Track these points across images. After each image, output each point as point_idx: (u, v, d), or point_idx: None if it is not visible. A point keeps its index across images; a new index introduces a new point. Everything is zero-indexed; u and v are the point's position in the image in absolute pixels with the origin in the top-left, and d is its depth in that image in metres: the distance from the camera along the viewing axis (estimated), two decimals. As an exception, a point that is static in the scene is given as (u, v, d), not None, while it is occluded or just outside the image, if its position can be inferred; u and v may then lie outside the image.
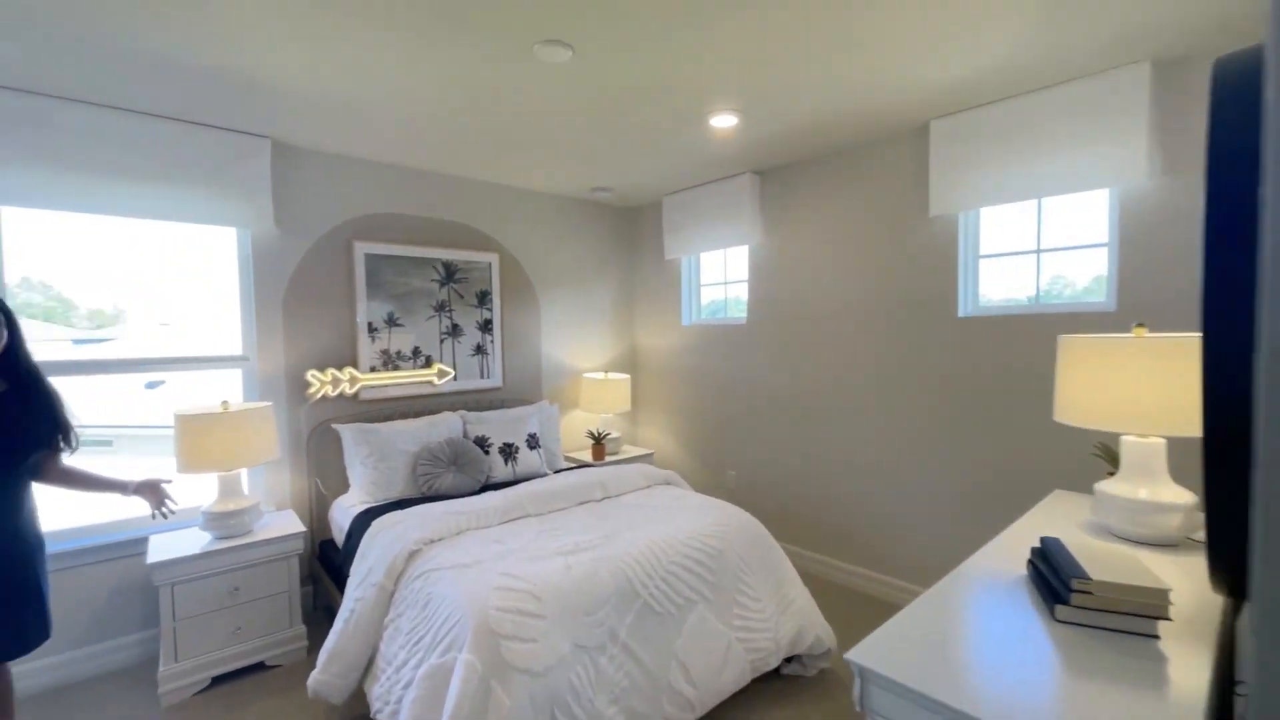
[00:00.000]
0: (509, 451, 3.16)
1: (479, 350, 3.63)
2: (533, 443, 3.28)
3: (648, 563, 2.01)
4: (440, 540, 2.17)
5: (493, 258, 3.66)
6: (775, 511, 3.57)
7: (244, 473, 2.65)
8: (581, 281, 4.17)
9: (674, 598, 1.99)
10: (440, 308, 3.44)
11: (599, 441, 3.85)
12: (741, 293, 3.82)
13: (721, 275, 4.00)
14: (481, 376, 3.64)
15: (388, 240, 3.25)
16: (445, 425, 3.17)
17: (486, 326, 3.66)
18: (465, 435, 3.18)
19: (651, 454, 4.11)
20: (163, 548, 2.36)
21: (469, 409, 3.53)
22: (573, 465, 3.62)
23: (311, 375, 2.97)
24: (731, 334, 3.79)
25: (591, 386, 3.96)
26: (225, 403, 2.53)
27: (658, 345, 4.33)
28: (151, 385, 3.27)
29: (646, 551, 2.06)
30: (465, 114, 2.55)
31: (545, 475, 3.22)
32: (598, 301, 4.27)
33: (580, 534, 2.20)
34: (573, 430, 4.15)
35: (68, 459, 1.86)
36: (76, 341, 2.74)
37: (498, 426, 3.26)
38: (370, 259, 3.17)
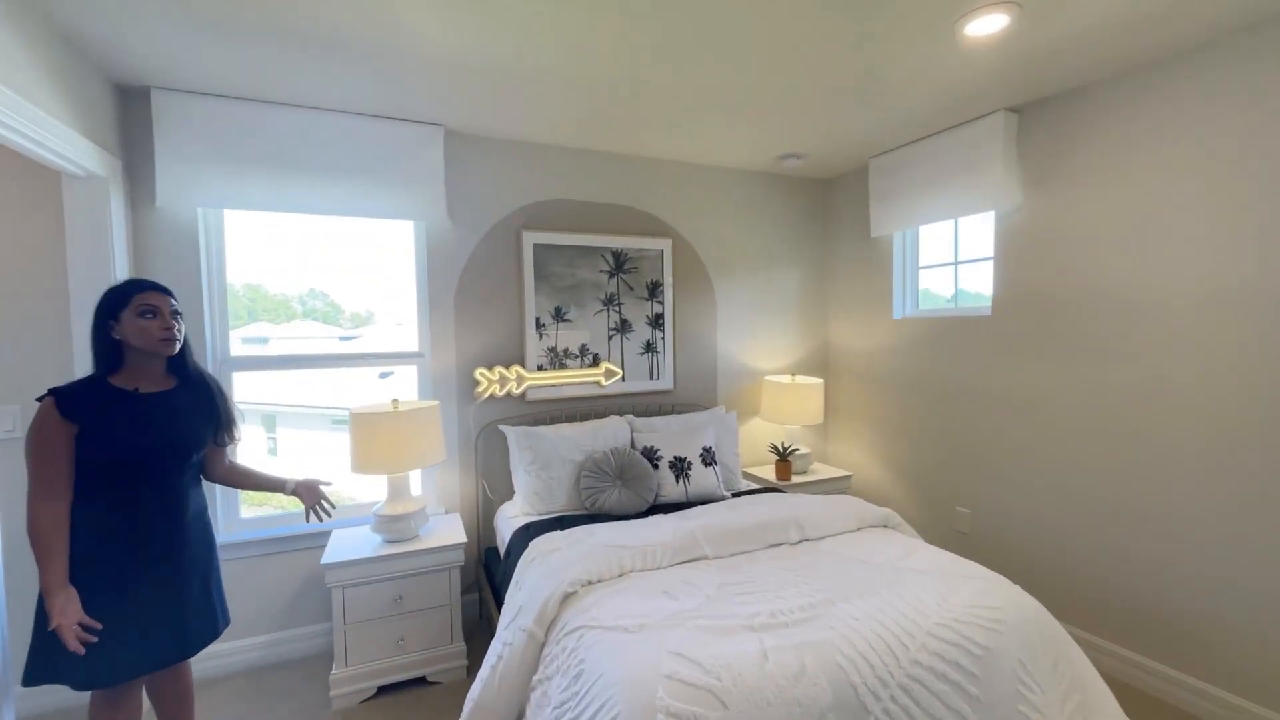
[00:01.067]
0: (681, 467, 2.71)
1: (648, 348, 3.24)
2: (708, 458, 2.79)
3: (879, 660, 1.39)
4: (600, 582, 1.77)
5: (665, 244, 3.24)
6: (1031, 571, 2.62)
7: (413, 474, 2.56)
8: (764, 269, 3.57)
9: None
10: (608, 301, 3.12)
11: (784, 458, 3.23)
12: (978, 276, 2.90)
13: (949, 253, 3.11)
14: (651, 377, 3.25)
15: (555, 229, 3.00)
16: (611, 431, 2.83)
17: (657, 321, 3.26)
18: (633, 445, 2.80)
19: (849, 476, 3.37)
20: (338, 547, 2.33)
21: (637, 413, 3.16)
22: (755, 487, 3.05)
23: (479, 374, 2.83)
24: (965, 329, 2.89)
25: (776, 392, 3.35)
26: (395, 401, 2.44)
27: (858, 343, 3.56)
28: (384, 375, 3.39)
29: (875, 640, 1.43)
30: (646, 69, 2.12)
31: (723, 499, 2.71)
32: (783, 292, 3.64)
33: (776, 597, 1.64)
34: (752, 442, 3.58)
35: (232, 456, 1.82)
36: (342, 338, 2.95)
37: (668, 436, 2.82)
38: (538, 250, 2.94)
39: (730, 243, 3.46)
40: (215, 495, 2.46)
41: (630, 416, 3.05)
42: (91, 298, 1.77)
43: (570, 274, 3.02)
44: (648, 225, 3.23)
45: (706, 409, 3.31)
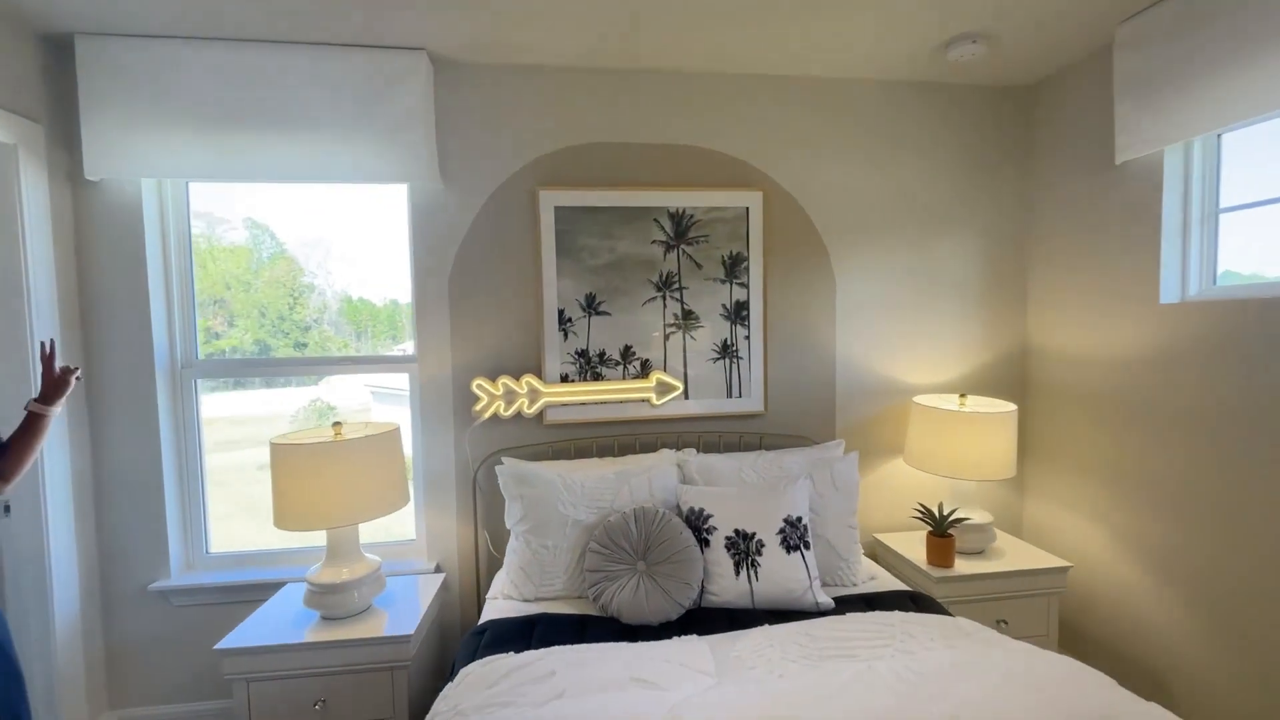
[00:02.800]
0: (744, 549, 1.68)
1: (725, 352, 2.23)
2: (792, 537, 1.71)
3: None
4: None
5: (751, 199, 2.20)
6: None
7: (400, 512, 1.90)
8: (917, 232, 2.33)
9: None
10: (664, 284, 2.17)
11: (941, 530, 2.01)
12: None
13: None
14: (729, 395, 2.24)
15: (586, 184, 2.14)
16: (648, 476, 1.89)
17: (739, 314, 2.23)
18: (679, 505, 1.83)
19: (1064, 570, 2.01)
20: (254, 623, 1.73)
21: (708, 447, 2.19)
22: (879, 588, 1.88)
23: (479, 386, 2.08)
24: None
25: (933, 423, 2.12)
26: (338, 426, 1.78)
27: (1087, 346, 2.15)
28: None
29: None
30: None
31: (824, 614, 1.62)
32: (949, 267, 2.36)
33: None
34: (885, 496, 2.37)
35: None
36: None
37: (731, 492, 1.81)
38: (562, 215, 2.11)
39: (858, 193, 2.29)
40: (176, 529, 2.04)
41: (691, 453, 2.08)
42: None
43: (608, 247, 2.14)
44: (725, 172, 2.21)
45: (814, 443, 2.20)
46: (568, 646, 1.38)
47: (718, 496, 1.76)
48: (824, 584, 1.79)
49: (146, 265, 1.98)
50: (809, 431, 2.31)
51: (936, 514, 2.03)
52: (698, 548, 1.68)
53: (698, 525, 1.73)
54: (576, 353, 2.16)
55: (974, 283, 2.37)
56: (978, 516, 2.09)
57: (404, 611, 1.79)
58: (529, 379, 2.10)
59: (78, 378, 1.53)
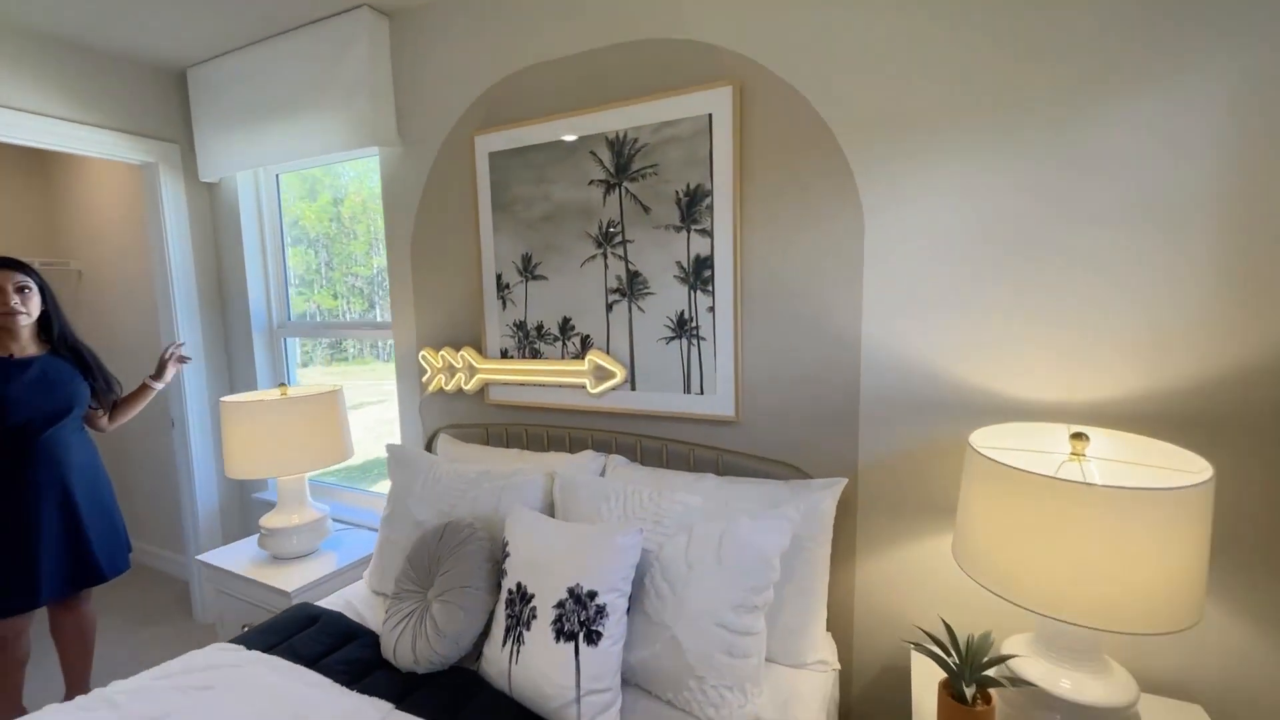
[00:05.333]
0: (517, 614, 1.17)
1: (681, 328, 1.59)
2: (573, 619, 1.11)
3: None
4: None
5: (716, 101, 1.47)
6: None
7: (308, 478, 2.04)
8: (1046, 104, 1.19)
9: None
10: (605, 237, 1.67)
11: (964, 685, 1.04)
12: None
13: None
14: (686, 389, 1.60)
15: (519, 119, 1.77)
16: (531, 482, 1.51)
17: (699, 274, 1.55)
18: (554, 509, 1.40)
19: None
20: (233, 550, 2.06)
21: (649, 457, 1.64)
22: None
23: (424, 357, 1.99)
24: None
25: (1005, 493, 1.06)
26: (284, 386, 1.95)
27: None
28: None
29: None
30: None
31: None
32: (1117, 173, 1.14)
33: None
34: (928, 590, 1.36)
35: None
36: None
37: (582, 530, 1.28)
38: (496, 163, 1.81)
39: (915, 50, 1.29)
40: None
41: (619, 461, 1.59)
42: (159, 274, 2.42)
43: (542, 195, 1.74)
44: (691, 70, 1.53)
45: (807, 476, 1.41)
46: (265, 660, 1.21)
47: (547, 529, 1.27)
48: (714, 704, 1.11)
49: (244, 246, 2.48)
50: (806, 458, 1.48)
51: (954, 649, 1.06)
52: (485, 590, 1.26)
53: (499, 559, 1.30)
54: (515, 324, 1.85)
55: (1183, 208, 1.09)
56: (1078, 675, 1.01)
57: (334, 561, 1.88)
58: (467, 352, 1.91)
59: (181, 359, 2.01)
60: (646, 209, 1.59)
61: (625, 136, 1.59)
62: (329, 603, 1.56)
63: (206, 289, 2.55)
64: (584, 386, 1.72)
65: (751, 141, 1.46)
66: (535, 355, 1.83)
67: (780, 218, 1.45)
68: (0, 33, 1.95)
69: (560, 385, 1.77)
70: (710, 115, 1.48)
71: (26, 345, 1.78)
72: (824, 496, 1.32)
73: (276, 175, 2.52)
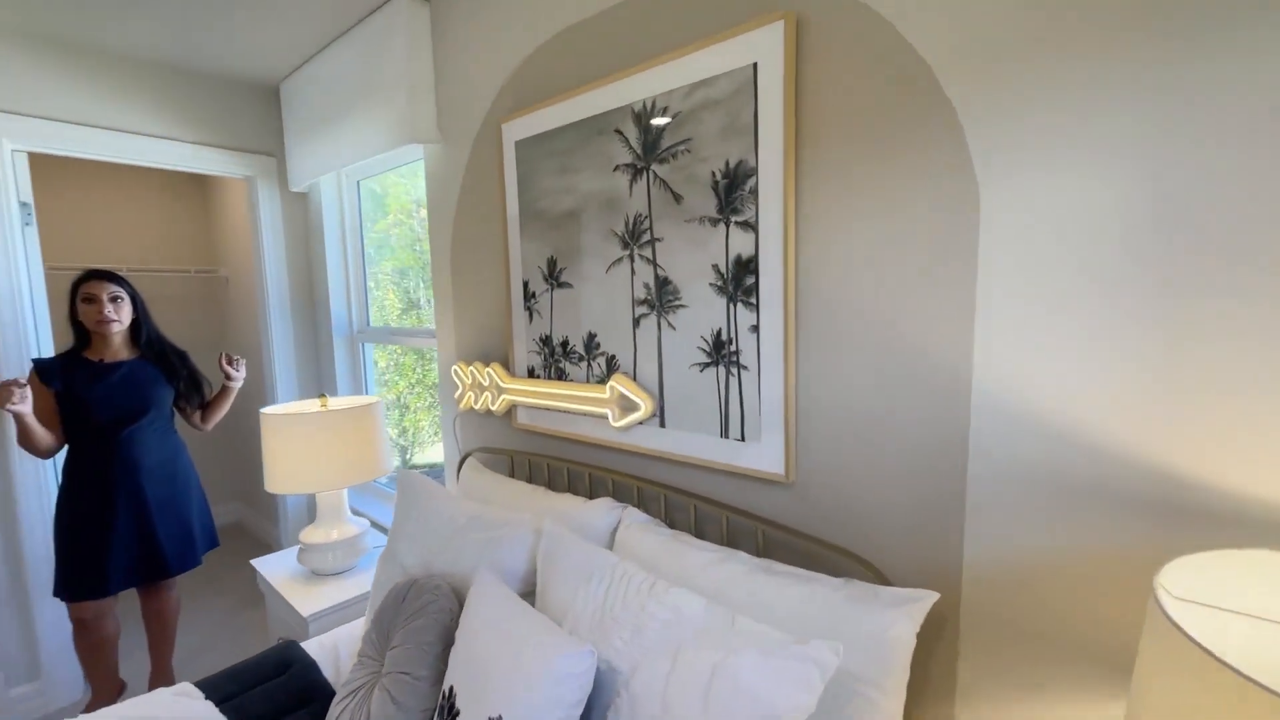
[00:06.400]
0: None
1: (718, 352, 1.21)
2: None
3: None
4: None
5: (764, 44, 1.07)
6: None
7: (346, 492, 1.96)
8: (1216, 44, 0.64)
9: None
10: (632, 234, 1.34)
11: None
12: None
13: None
14: (723, 432, 1.22)
15: (545, 98, 1.50)
16: (520, 537, 1.25)
17: (740, 281, 1.16)
18: (535, 591, 1.13)
19: None
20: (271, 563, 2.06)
21: (674, 514, 1.30)
22: None
23: (456, 371, 1.83)
24: None
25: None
26: (323, 397, 1.90)
27: None
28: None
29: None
30: None
31: None
32: None
33: None
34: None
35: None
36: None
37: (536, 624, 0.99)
38: (522, 152, 1.57)
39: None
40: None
41: (634, 515, 1.27)
42: (257, 281, 2.59)
43: (566, 186, 1.47)
44: (724, 3, 1.14)
45: (881, 579, 0.98)
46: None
47: (499, 615, 0.98)
48: None
49: (326, 254, 2.54)
50: (880, 549, 1.03)
51: None
52: (429, 681, 1.00)
53: (452, 640, 1.03)
54: (541, 339, 1.60)
55: None
56: None
57: (364, 584, 1.79)
58: (495, 369, 1.70)
59: (229, 359, 2.06)
60: (678, 197, 1.23)
61: (654, 106, 1.25)
62: (324, 641, 1.43)
63: (298, 295, 2.66)
64: (606, 416, 1.41)
65: (810, 96, 1.03)
66: (561, 376, 1.55)
67: (850, 201, 1.01)
68: (117, 64, 2.14)
69: (581, 413, 1.48)
70: (754, 65, 1.08)
71: (118, 350, 1.91)
72: (898, 618, 0.87)
73: (357, 183, 2.55)
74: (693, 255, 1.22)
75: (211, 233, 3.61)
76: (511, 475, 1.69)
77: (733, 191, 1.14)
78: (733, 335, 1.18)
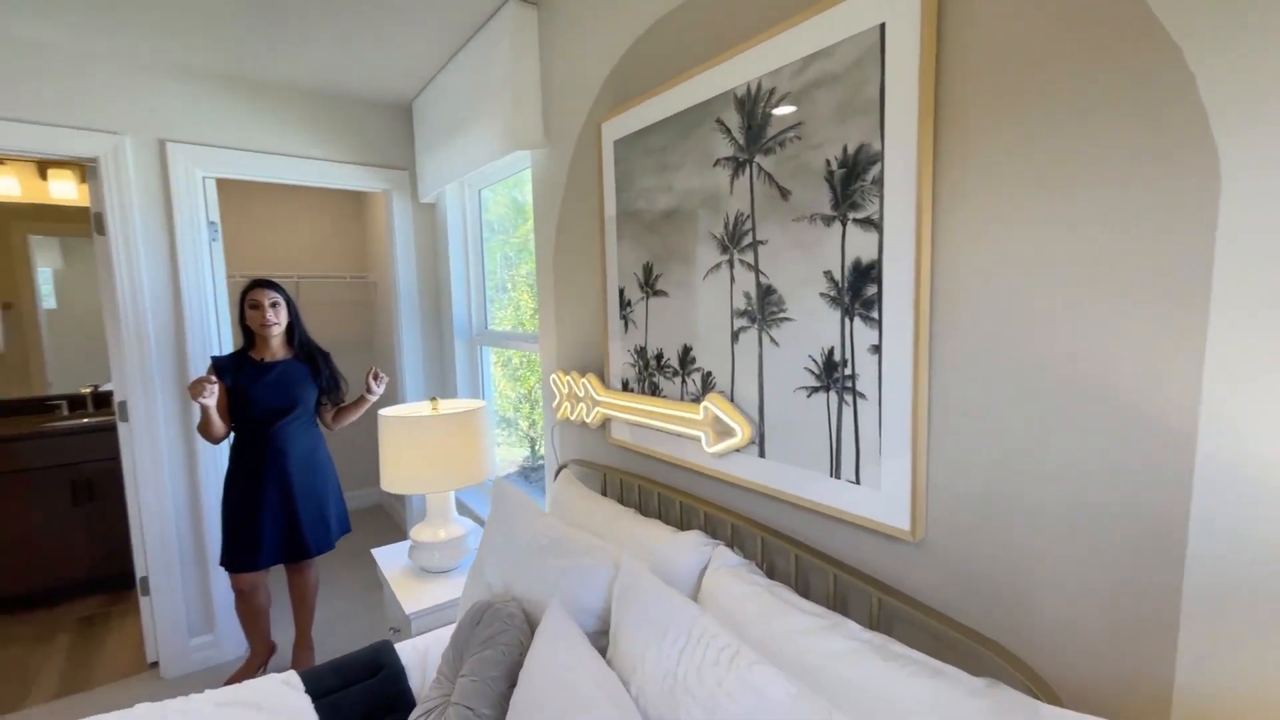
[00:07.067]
0: None
1: (830, 375, 1.03)
2: None
3: None
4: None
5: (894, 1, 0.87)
6: None
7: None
8: None
9: None
10: (732, 237, 1.19)
11: None
12: None
13: None
14: (833, 471, 1.03)
15: (645, 91, 1.40)
16: (594, 570, 1.16)
17: (857, 290, 0.96)
18: (601, 636, 1.05)
19: None
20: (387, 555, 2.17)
21: (771, 557, 1.14)
22: None
23: (554, 380, 1.80)
24: None
25: None
26: (435, 400, 1.98)
27: None
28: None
29: None
30: None
31: None
32: None
33: None
34: None
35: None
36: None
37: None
38: (621, 152, 1.48)
39: None
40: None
41: (726, 557, 1.13)
42: (392, 286, 2.80)
43: (665, 185, 1.35)
44: (834, -38, 0.95)
45: (1043, 694, 0.75)
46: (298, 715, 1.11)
47: (558, 667, 0.89)
48: None
49: (450, 261, 2.68)
50: (1044, 648, 0.78)
51: None
52: (499, 709, 0.94)
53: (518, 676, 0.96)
54: (636, 350, 1.50)
55: None
56: None
57: (459, 589, 1.83)
58: (590, 379, 1.63)
59: (376, 375, 2.17)
60: (784, 193, 1.06)
61: (759, 89, 1.08)
62: (417, 644, 1.45)
63: (426, 299, 2.83)
64: (699, 439, 1.27)
65: (956, 58, 0.81)
66: (655, 391, 1.44)
67: (1011, 189, 0.77)
68: (279, 96, 2.40)
69: (679, 434, 1.35)
70: (882, 26, 0.88)
71: (276, 350, 2.13)
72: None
73: (479, 191, 2.64)
74: (801, 260, 1.04)
75: (363, 242, 4.01)
76: (604, 492, 1.61)
77: (851, 183, 0.95)
78: (848, 356, 0.98)
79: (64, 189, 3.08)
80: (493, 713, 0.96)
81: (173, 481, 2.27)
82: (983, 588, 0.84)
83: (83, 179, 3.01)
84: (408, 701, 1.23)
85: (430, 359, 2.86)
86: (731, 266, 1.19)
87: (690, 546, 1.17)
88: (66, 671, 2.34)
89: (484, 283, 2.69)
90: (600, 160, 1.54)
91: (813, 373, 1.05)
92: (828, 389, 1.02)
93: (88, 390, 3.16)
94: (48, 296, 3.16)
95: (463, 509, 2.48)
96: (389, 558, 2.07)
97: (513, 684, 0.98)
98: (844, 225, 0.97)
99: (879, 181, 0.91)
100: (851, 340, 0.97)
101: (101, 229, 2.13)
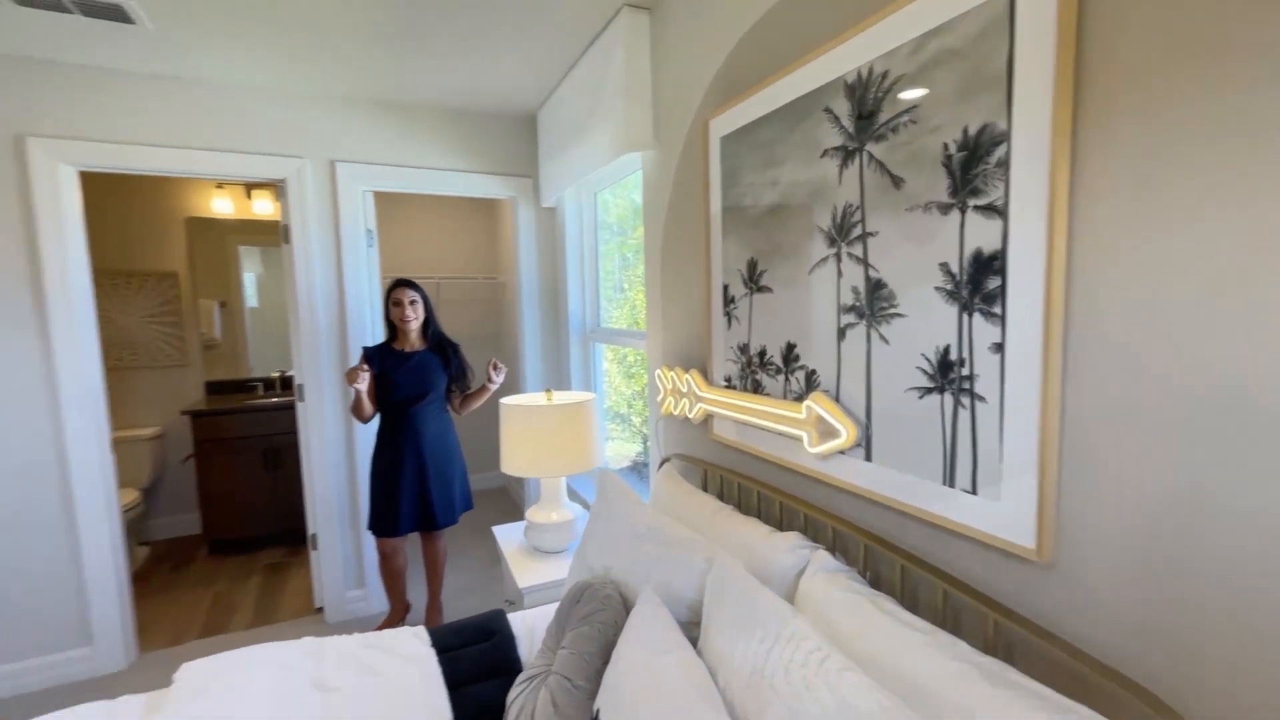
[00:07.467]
0: None
1: (945, 375, 0.96)
2: None
3: None
4: None
5: (1018, -40, 0.79)
6: None
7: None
8: None
9: None
10: (839, 230, 1.15)
11: None
12: None
13: None
14: (946, 478, 0.96)
15: (749, 87, 1.39)
16: (687, 564, 1.19)
17: (978, 282, 0.89)
18: (693, 633, 1.07)
19: None
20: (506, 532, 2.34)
21: (876, 567, 1.09)
22: None
23: (660, 375, 1.84)
24: None
25: None
26: (549, 391, 2.11)
27: None
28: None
29: None
30: None
31: None
32: None
33: None
34: None
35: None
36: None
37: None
38: (727, 148, 1.49)
39: None
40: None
41: (825, 563, 1.11)
42: (516, 285, 3.05)
43: (769, 180, 1.34)
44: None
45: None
46: (425, 665, 1.25)
47: (646, 653, 0.93)
48: None
49: (566, 261, 2.83)
50: (1207, 695, 0.67)
51: None
52: (587, 694, 0.99)
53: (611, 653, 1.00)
54: (739, 347, 1.50)
55: None
56: None
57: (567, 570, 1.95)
58: (693, 375, 1.65)
59: (495, 366, 2.41)
60: (897, 181, 1.00)
61: (870, 73, 1.03)
62: (526, 617, 1.56)
63: (545, 297, 3.01)
64: (801, 441, 1.24)
65: (1101, 16, 0.71)
66: (757, 389, 1.42)
67: (1174, 165, 0.67)
68: (422, 115, 2.68)
69: (779, 433, 1.33)
70: (1013, -9, 0.80)
71: (414, 342, 2.40)
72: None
73: (594, 194, 2.76)
74: (914, 252, 0.98)
75: (493, 246, 4.35)
76: (704, 488, 1.62)
77: (972, 167, 0.87)
78: (965, 354, 0.91)
79: (263, 206, 3.69)
80: (588, 685, 1.01)
81: (335, 454, 2.64)
82: (1132, 625, 0.73)
83: (276, 196, 3.58)
84: (514, 666, 1.33)
85: (548, 353, 3.05)
86: (839, 260, 1.14)
87: (788, 547, 1.14)
88: (258, 606, 2.82)
89: (598, 281, 2.80)
90: (706, 157, 1.55)
91: (926, 372, 0.98)
92: (942, 390, 0.95)
93: (277, 375, 3.77)
94: (250, 296, 3.81)
95: (574, 497, 2.61)
96: (507, 535, 2.24)
97: (606, 660, 1.03)
98: (963, 213, 0.89)
99: (1004, 164, 0.83)
100: (970, 337, 0.90)
101: (287, 238, 2.53)
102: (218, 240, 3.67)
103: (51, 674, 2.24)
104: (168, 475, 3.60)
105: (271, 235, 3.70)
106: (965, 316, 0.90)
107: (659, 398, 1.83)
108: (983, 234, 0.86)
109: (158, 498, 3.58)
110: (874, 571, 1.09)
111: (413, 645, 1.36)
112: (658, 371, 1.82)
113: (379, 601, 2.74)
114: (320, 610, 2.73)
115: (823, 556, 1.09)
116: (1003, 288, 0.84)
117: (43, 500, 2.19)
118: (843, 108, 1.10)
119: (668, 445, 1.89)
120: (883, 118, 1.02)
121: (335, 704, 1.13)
